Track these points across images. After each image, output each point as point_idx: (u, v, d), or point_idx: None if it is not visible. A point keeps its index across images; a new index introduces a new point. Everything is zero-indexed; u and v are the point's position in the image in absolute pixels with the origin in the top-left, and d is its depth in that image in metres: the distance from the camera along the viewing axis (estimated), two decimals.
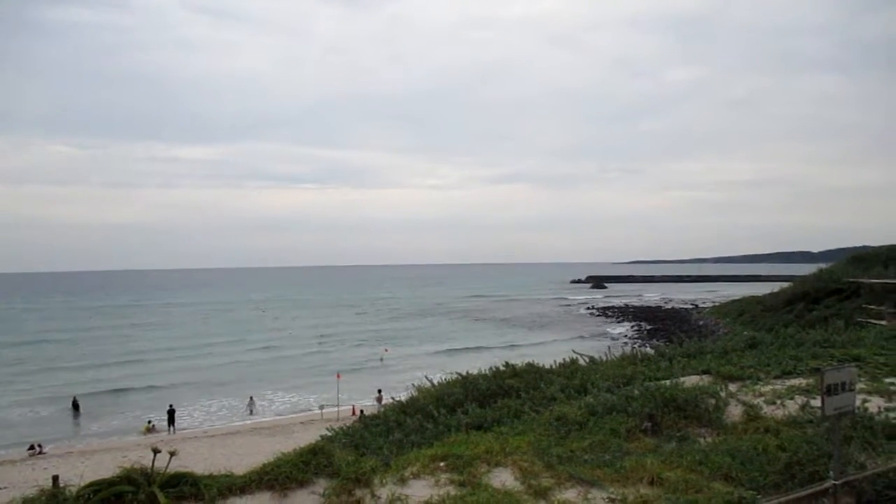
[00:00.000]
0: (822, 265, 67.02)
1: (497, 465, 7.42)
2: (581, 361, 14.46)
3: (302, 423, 36.99)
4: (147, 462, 6.36)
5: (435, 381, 14.37)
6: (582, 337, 72.50)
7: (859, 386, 8.94)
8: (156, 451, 6.41)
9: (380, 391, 39.90)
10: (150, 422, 37.88)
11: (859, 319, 33.77)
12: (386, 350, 62.21)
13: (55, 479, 7.19)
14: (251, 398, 42.28)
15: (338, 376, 44.01)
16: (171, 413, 37.66)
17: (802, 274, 69.18)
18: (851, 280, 49.65)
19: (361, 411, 33.70)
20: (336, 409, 38.54)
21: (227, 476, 6.62)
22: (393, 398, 14.74)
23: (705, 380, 10.98)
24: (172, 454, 6.63)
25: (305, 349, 67.86)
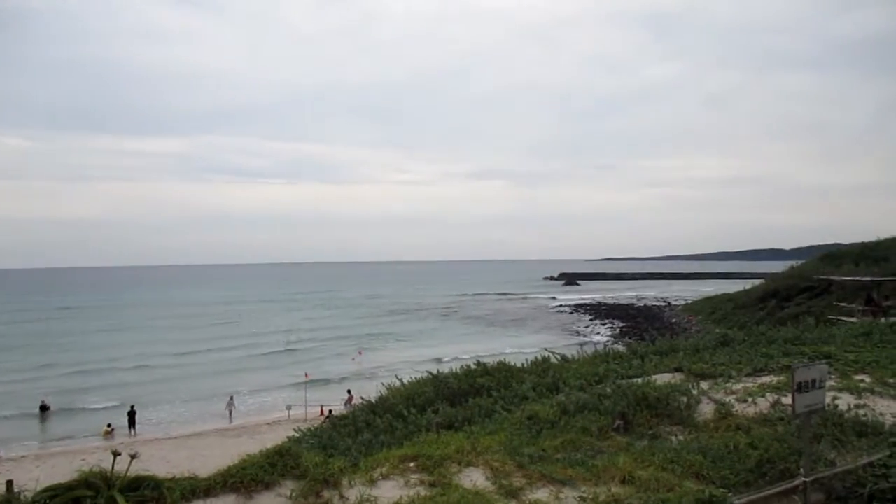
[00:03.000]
0: (794, 262, 68.35)
1: (468, 464, 7.42)
2: (553, 359, 14.47)
3: (269, 424, 36.76)
4: (107, 465, 6.26)
5: (405, 381, 14.34)
6: (554, 335, 73.09)
7: (829, 383, 9.09)
8: (115, 454, 6.31)
9: (349, 392, 39.85)
10: (109, 424, 37.31)
11: (830, 317, 34.43)
12: (360, 352, 62.03)
13: (9, 483, 7.04)
14: (231, 398, 41.53)
15: (306, 376, 43.90)
16: (131, 414, 37.12)
17: (774, 272, 70.54)
18: (823, 277, 50.64)
19: (330, 411, 33.60)
20: (304, 409, 38.35)
21: (191, 479, 6.53)
22: (363, 398, 14.58)
23: (677, 378, 11.07)
24: (133, 457, 6.52)
25: (273, 348, 67.37)
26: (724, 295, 74.46)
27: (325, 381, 49.44)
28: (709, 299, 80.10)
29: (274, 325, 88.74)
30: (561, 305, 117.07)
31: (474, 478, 7.11)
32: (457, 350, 58.39)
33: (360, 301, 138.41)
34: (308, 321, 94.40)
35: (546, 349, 15.68)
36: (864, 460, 7.20)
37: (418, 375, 14.37)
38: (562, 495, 6.71)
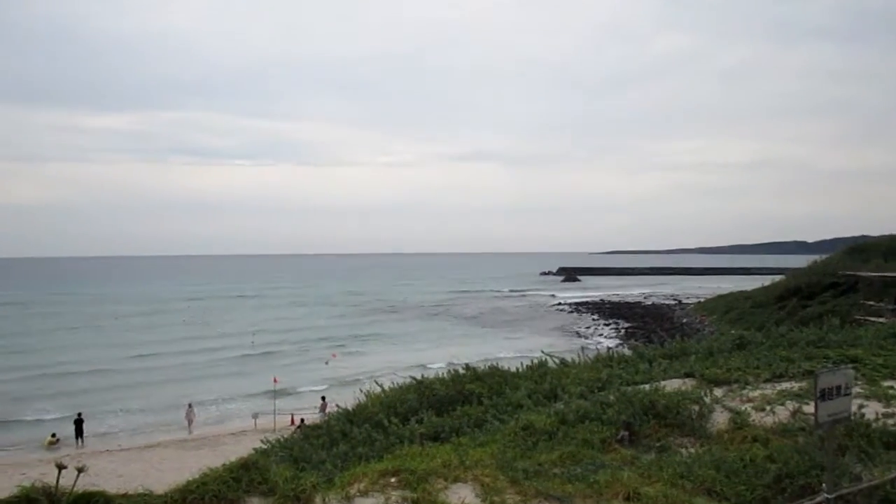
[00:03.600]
0: (817, 257, 68.86)
1: (455, 480, 7.43)
2: (551, 364, 14.61)
3: (232, 434, 36.71)
4: (51, 480, 6.24)
5: (386, 387, 14.44)
6: (552, 336, 73.37)
7: (856, 390, 9.05)
8: (61, 468, 6.29)
9: (323, 398, 39.80)
10: (54, 434, 37.11)
11: (857, 317, 34.79)
12: (334, 355, 61.98)
13: None
14: (190, 405, 41.33)
15: (275, 381, 43.83)
16: (78, 423, 36.94)
17: (795, 266, 71.03)
18: (848, 273, 51.10)
19: (301, 420, 33.60)
20: (272, 418, 38.31)
21: (145, 495, 6.53)
22: (338, 406, 14.60)
23: (688, 384, 11.16)
24: (80, 470, 6.51)
25: (240, 351, 67.15)
26: (741, 292, 75.00)
27: (296, 388, 49.39)
28: (723, 297, 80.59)
29: (241, 325, 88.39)
30: (560, 304, 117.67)
31: (462, 494, 7.11)
32: (445, 354, 58.46)
33: (338, 297, 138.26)
34: (279, 321, 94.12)
35: (544, 352, 15.70)
36: (893, 475, 7.18)
37: (401, 381, 14.42)
38: None
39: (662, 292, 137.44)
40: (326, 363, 58.87)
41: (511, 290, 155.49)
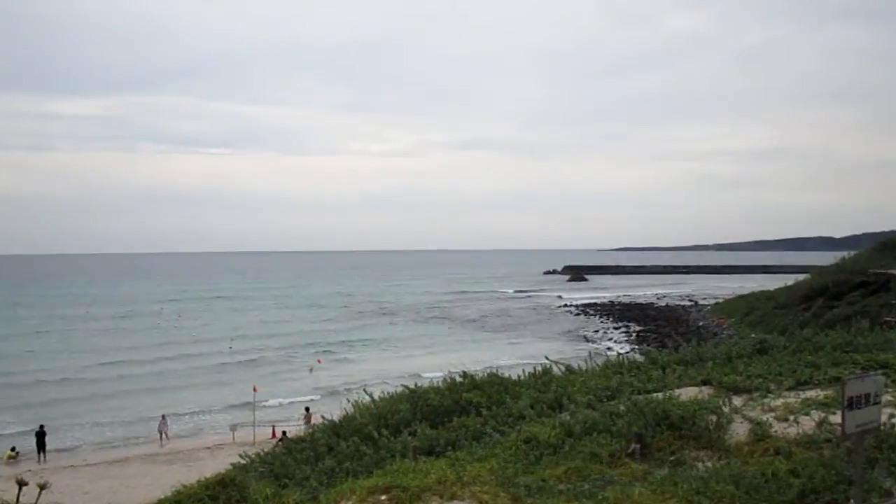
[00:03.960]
0: (845, 253, 69.06)
1: (452, 497, 7.40)
2: (556, 371, 14.64)
3: (209, 447, 36.67)
4: (10, 497, 6.20)
5: (375, 396, 14.44)
6: (558, 341, 73.43)
7: (886, 398, 8.96)
8: (21, 484, 6.23)
9: (307, 409, 39.78)
10: (13, 448, 37.04)
11: (888, 318, 34.81)
12: (319, 361, 61.91)
13: None
14: (163, 417, 41.20)
15: (254, 391, 43.54)
16: (40, 436, 36.79)
17: (822, 264, 71.15)
18: (879, 271, 51.19)
19: (284, 433, 33.56)
20: (252, 431, 38.27)
21: None
22: (324, 418, 14.59)
23: (705, 392, 11.20)
24: (42, 487, 6.43)
25: (217, 358, 66.98)
26: (762, 292, 75.21)
27: (278, 397, 49.30)
28: (743, 298, 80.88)
29: (218, 329, 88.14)
30: (567, 305, 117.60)
31: None
32: (441, 361, 58.18)
33: (325, 299, 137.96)
34: (260, 324, 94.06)
35: (548, 358, 15.67)
36: None
37: (392, 390, 14.33)
38: None
39: (677, 292, 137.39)
40: (311, 370, 58.74)
41: (515, 291, 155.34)
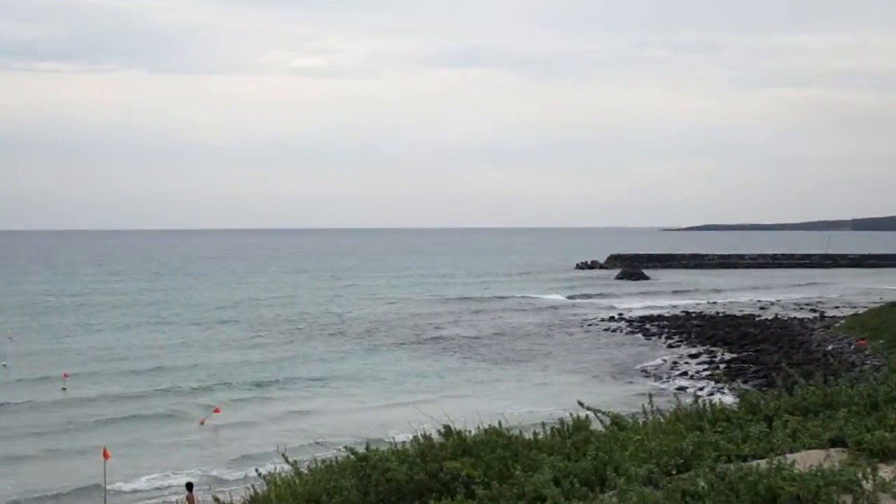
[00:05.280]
0: None
1: None
2: (596, 425, 11.87)
3: None
4: None
5: (304, 466, 11.73)
6: (596, 378, 64.82)
7: None
8: None
9: (190, 486, 32.30)
10: None
11: None
12: (217, 409, 47.15)
13: None
14: None
15: (105, 456, 35.04)
16: None
17: None
18: None
19: None
20: None
21: None
22: (217, 500, 11.96)
23: (836, 458, 8.93)
24: None
25: (41, 410, 48.46)
26: None
27: (146, 474, 37.42)
28: None
29: (47, 360, 64.18)
30: (614, 318, 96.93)
31: None
32: (410, 413, 38.70)
33: (229, 309, 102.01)
34: (113, 351, 69.91)
35: (582, 404, 12.29)
36: None
37: (332, 456, 11.46)
38: None
39: (791, 298, 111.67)
40: (201, 424, 46.03)
41: (527, 295, 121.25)
